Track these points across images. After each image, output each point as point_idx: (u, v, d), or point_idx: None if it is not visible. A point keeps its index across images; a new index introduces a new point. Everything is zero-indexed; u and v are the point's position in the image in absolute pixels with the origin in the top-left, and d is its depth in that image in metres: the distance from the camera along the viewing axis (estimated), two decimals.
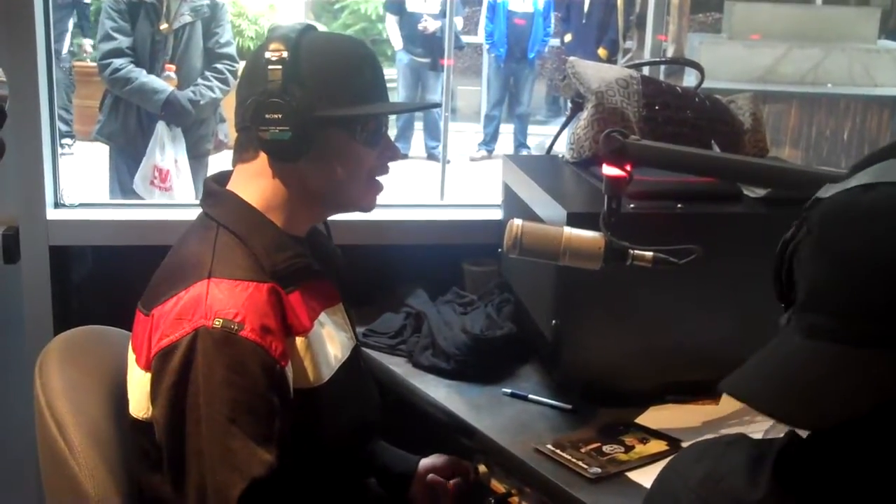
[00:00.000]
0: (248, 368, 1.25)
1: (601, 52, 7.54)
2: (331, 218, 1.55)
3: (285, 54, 1.34)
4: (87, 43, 7.49)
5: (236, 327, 1.25)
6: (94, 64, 4.13)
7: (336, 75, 1.38)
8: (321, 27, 1.50)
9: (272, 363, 1.28)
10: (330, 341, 1.44)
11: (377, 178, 1.48)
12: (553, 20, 8.44)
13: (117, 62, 3.78)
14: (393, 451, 1.74)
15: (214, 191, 1.44)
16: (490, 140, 8.45)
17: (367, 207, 1.49)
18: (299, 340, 1.36)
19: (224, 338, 1.24)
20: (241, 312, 1.26)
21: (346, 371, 1.45)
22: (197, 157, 3.98)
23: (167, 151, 3.83)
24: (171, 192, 3.83)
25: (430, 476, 1.69)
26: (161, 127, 3.83)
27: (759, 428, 1.50)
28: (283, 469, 1.26)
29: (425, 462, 1.73)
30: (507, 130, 8.50)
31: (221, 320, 1.25)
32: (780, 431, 0.88)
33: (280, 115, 1.33)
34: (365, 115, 1.40)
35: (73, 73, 7.43)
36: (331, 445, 1.42)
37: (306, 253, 1.43)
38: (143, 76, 3.79)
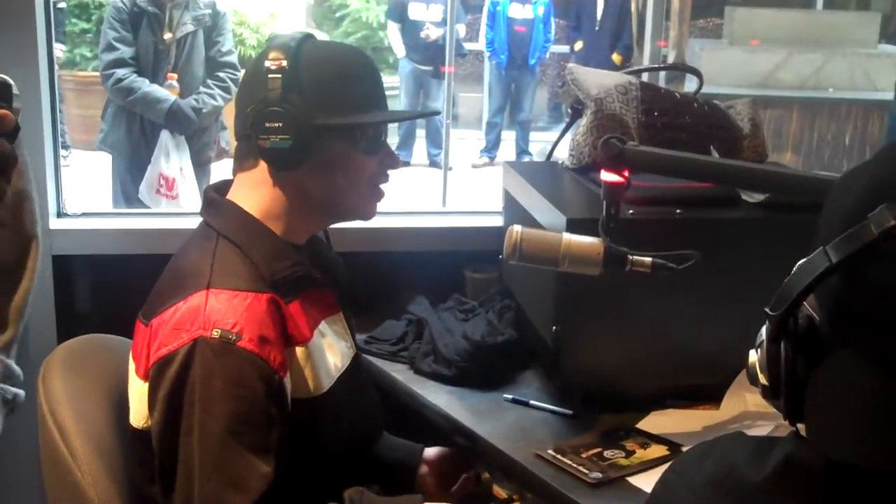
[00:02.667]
0: (247, 379, 1.25)
1: (615, 57, 7.57)
2: (331, 225, 1.56)
3: (285, 63, 1.34)
4: (58, 48, 7.47)
5: (234, 338, 1.26)
6: (97, 73, 4.14)
7: (335, 84, 1.39)
8: (322, 35, 1.50)
9: (271, 374, 1.28)
10: (330, 351, 1.44)
11: (378, 185, 1.49)
12: (553, 26, 8.45)
13: (120, 72, 3.79)
14: (395, 440, 1.73)
15: (214, 200, 1.45)
16: (492, 147, 8.46)
17: (368, 215, 1.49)
18: (299, 350, 1.36)
19: (222, 348, 1.25)
20: (240, 323, 1.27)
21: (346, 380, 1.46)
22: (199, 164, 3.99)
23: (172, 159, 3.84)
24: (177, 199, 3.84)
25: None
26: (165, 135, 3.84)
27: (761, 432, 1.50)
28: (283, 479, 1.26)
29: (432, 450, 1.73)
30: (508, 137, 8.51)
31: (220, 331, 1.25)
32: (783, 434, 0.88)
33: (280, 124, 1.33)
34: (364, 123, 1.41)
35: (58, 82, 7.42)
36: (331, 454, 1.43)
37: (306, 261, 1.43)
38: (146, 86, 3.81)
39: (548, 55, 8.68)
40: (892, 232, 0.75)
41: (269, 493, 1.23)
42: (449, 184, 6.36)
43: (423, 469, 1.70)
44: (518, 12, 8.15)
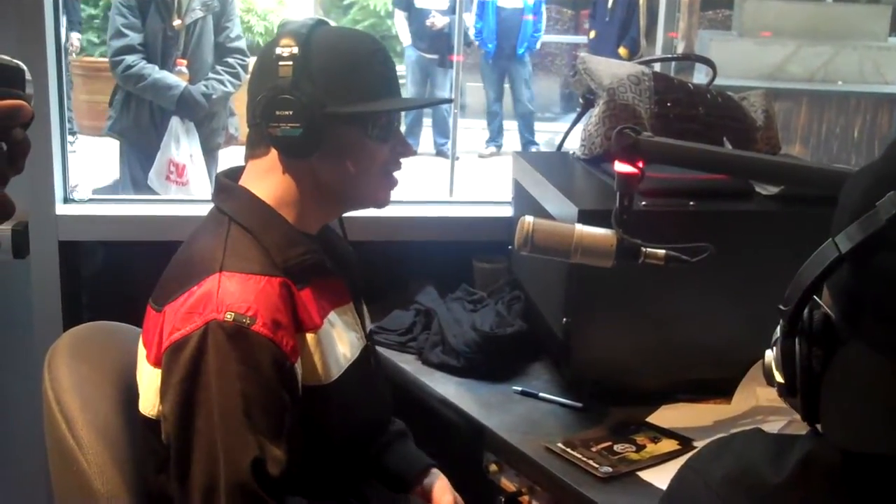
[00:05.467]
0: (261, 363, 1.25)
1: (622, 50, 7.52)
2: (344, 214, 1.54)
3: (296, 50, 1.33)
4: (75, 37, 7.43)
5: (248, 321, 1.25)
6: (104, 59, 4.13)
7: (347, 71, 1.37)
8: (332, 23, 1.49)
9: (283, 358, 1.27)
10: (339, 340, 1.43)
11: (391, 173, 1.47)
12: (545, 17, 8.39)
13: (129, 59, 3.78)
14: (407, 451, 1.63)
15: (226, 186, 1.44)
16: (496, 136, 8.42)
17: (381, 203, 1.48)
18: (310, 337, 1.35)
19: (236, 331, 1.24)
20: (253, 306, 1.26)
21: (356, 370, 1.45)
22: (208, 150, 3.99)
23: (182, 145, 3.83)
24: (187, 186, 3.84)
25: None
26: (175, 122, 3.83)
27: (773, 427, 1.49)
28: (291, 464, 1.25)
29: (438, 483, 1.58)
30: (513, 126, 8.48)
31: (233, 314, 1.24)
32: (797, 430, 0.87)
33: (291, 112, 1.32)
34: (376, 111, 1.40)
35: (69, 70, 7.39)
36: (338, 443, 1.42)
37: (318, 250, 1.42)
38: (155, 72, 3.79)
39: (538, 45, 8.60)
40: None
41: (281, 477, 1.23)
42: (456, 173, 6.33)
43: (419, 491, 1.60)
44: (508, 1, 8.08)
